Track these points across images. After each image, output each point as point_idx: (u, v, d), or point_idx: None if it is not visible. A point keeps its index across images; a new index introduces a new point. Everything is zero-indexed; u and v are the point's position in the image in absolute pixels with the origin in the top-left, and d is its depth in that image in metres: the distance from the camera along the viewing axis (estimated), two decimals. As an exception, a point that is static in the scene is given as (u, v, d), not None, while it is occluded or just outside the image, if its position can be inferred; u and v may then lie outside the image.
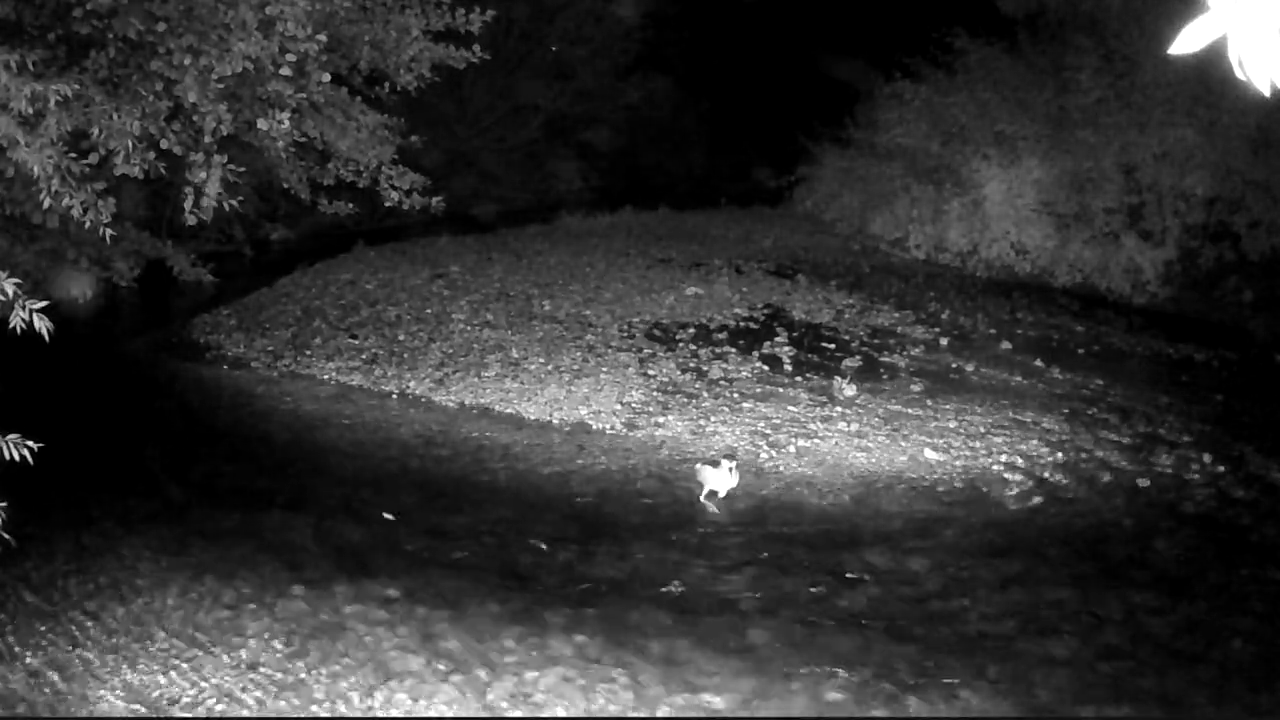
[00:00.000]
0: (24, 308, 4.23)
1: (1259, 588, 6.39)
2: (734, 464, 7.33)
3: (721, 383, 9.60)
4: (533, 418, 8.80)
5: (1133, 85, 14.19)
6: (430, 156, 13.06)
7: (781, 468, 7.87)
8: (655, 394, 9.29)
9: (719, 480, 7.28)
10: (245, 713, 4.78)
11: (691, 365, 10.06)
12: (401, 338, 10.73)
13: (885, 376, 10.00)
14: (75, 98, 6.02)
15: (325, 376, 9.76)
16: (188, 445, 8.32)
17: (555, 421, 8.71)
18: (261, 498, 7.17)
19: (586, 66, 22.59)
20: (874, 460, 8.01)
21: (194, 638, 5.34)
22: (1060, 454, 8.22)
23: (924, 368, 10.32)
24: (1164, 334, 12.16)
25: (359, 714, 4.82)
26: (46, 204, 6.08)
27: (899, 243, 16.55)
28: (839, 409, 9.02)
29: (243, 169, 7.51)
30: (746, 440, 8.32)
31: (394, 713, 4.84)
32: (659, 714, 4.94)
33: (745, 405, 9.05)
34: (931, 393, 9.53)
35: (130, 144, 6.43)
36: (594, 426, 8.60)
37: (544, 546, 6.53)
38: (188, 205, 7.22)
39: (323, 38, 7.56)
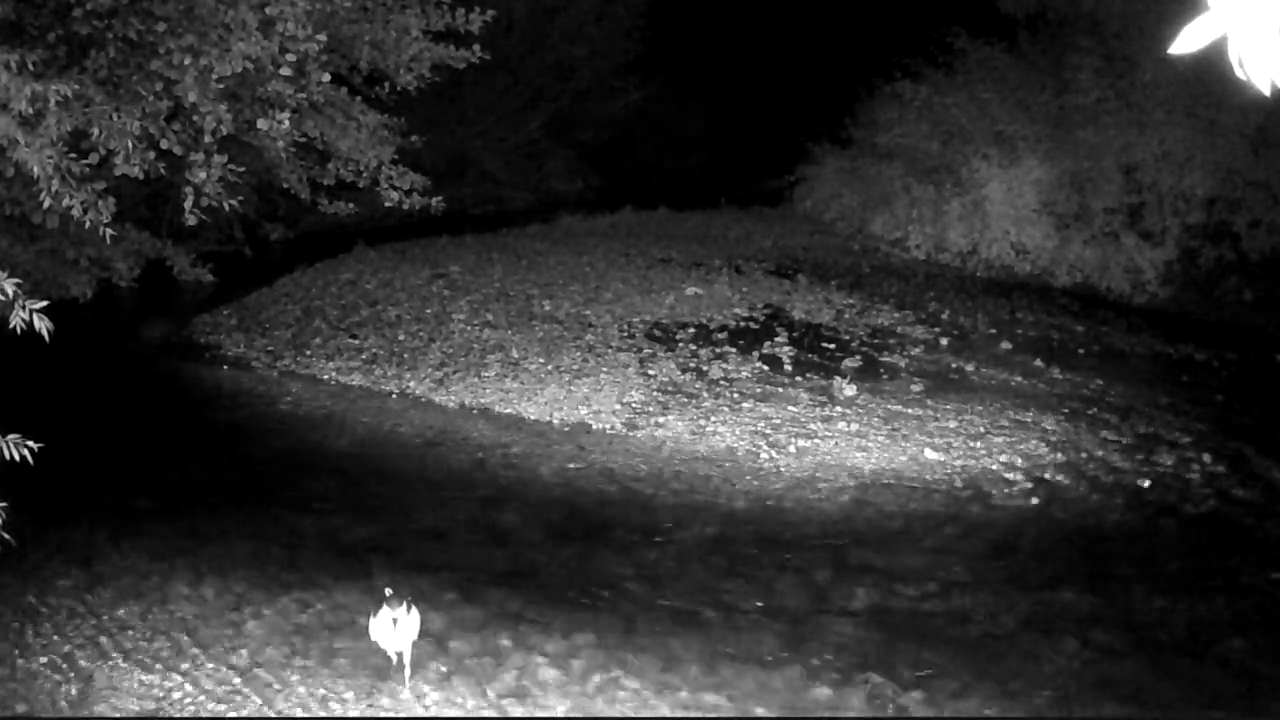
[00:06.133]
0: (24, 308, 4.22)
1: (1259, 588, 6.39)
2: (400, 608, 4.97)
3: (721, 383, 9.60)
4: (533, 418, 8.80)
5: (1133, 85, 14.19)
6: (430, 156, 13.08)
7: (782, 468, 7.87)
8: (655, 394, 9.29)
9: (390, 635, 5.00)
10: (245, 713, 4.78)
11: (691, 365, 10.06)
12: (401, 338, 10.73)
13: (885, 376, 10.00)
14: (75, 98, 6.02)
15: (325, 376, 9.76)
16: (187, 445, 8.32)
17: (555, 421, 8.71)
18: (261, 497, 7.16)
19: (586, 66, 22.59)
20: (874, 460, 8.01)
21: (194, 638, 5.34)
22: (1060, 454, 8.22)
23: (924, 368, 10.32)
24: (1164, 334, 12.15)
25: (359, 714, 4.81)
26: (46, 204, 6.08)
27: (899, 243, 16.55)
28: (839, 409, 9.02)
29: (243, 169, 7.51)
30: (746, 440, 8.32)
31: (394, 713, 4.84)
32: (659, 714, 4.94)
33: (745, 405, 9.05)
34: (931, 393, 9.53)
35: (130, 144, 6.43)
36: (594, 426, 8.60)
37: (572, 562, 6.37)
38: (188, 205, 7.22)
39: (323, 38, 7.57)
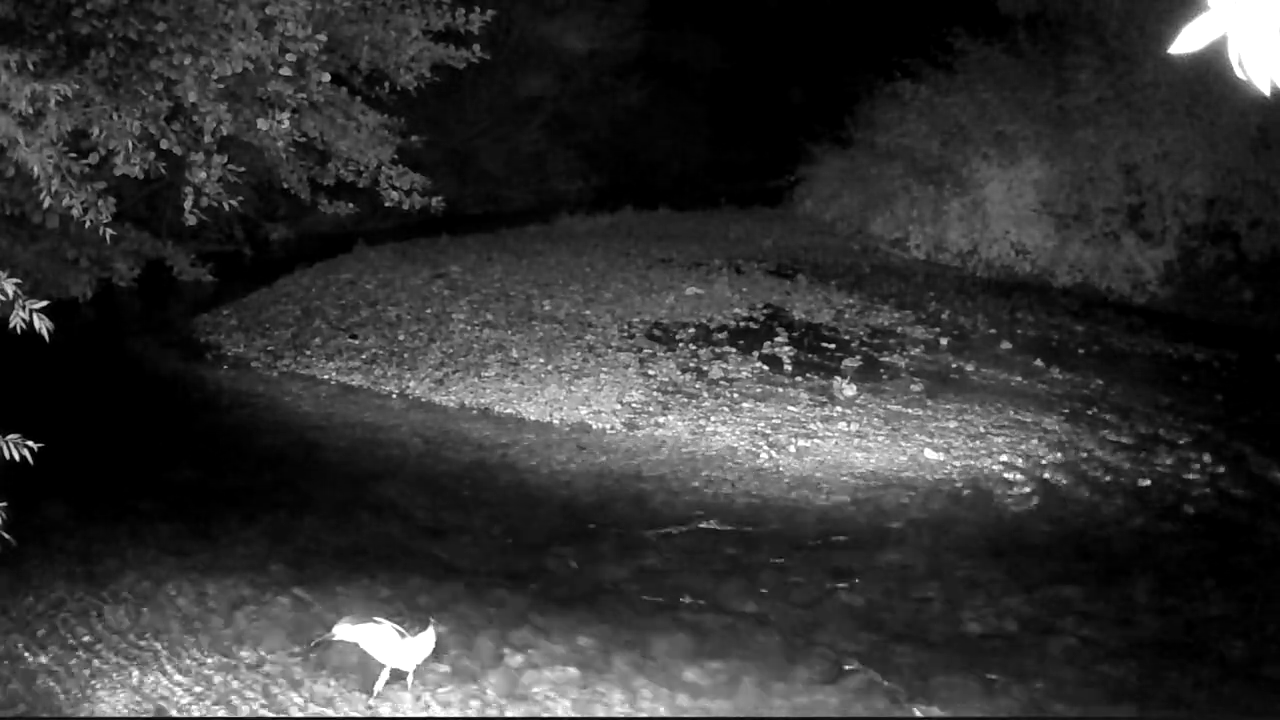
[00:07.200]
0: (24, 308, 4.23)
1: (1259, 587, 6.39)
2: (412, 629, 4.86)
3: (721, 383, 9.60)
4: (533, 418, 8.80)
5: (1133, 85, 14.20)
6: (430, 156, 13.07)
7: (782, 468, 7.87)
8: (655, 394, 9.29)
9: (397, 650, 4.85)
10: (245, 713, 4.78)
11: (691, 365, 10.06)
12: (401, 338, 10.73)
13: (885, 376, 10.00)
14: (75, 98, 6.02)
15: (325, 376, 9.76)
16: (187, 445, 8.32)
17: (555, 421, 8.71)
18: (261, 498, 7.16)
19: (586, 66, 22.61)
20: (874, 460, 8.01)
21: (194, 638, 5.34)
22: (1060, 454, 8.22)
23: (924, 368, 10.32)
24: (1164, 334, 12.16)
25: (359, 714, 4.81)
26: (46, 204, 6.08)
27: (899, 243, 16.55)
28: (839, 409, 9.02)
29: (243, 169, 7.51)
30: (746, 440, 8.32)
31: (394, 713, 4.84)
32: (659, 714, 4.94)
33: (745, 405, 9.05)
34: (931, 393, 9.53)
35: (130, 144, 6.44)
36: (594, 426, 8.60)
37: (573, 564, 6.33)
38: (188, 205, 7.22)
39: (323, 38, 7.57)
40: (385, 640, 4.82)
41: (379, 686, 4.89)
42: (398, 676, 4.96)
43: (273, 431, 8.56)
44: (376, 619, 4.88)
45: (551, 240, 16.02)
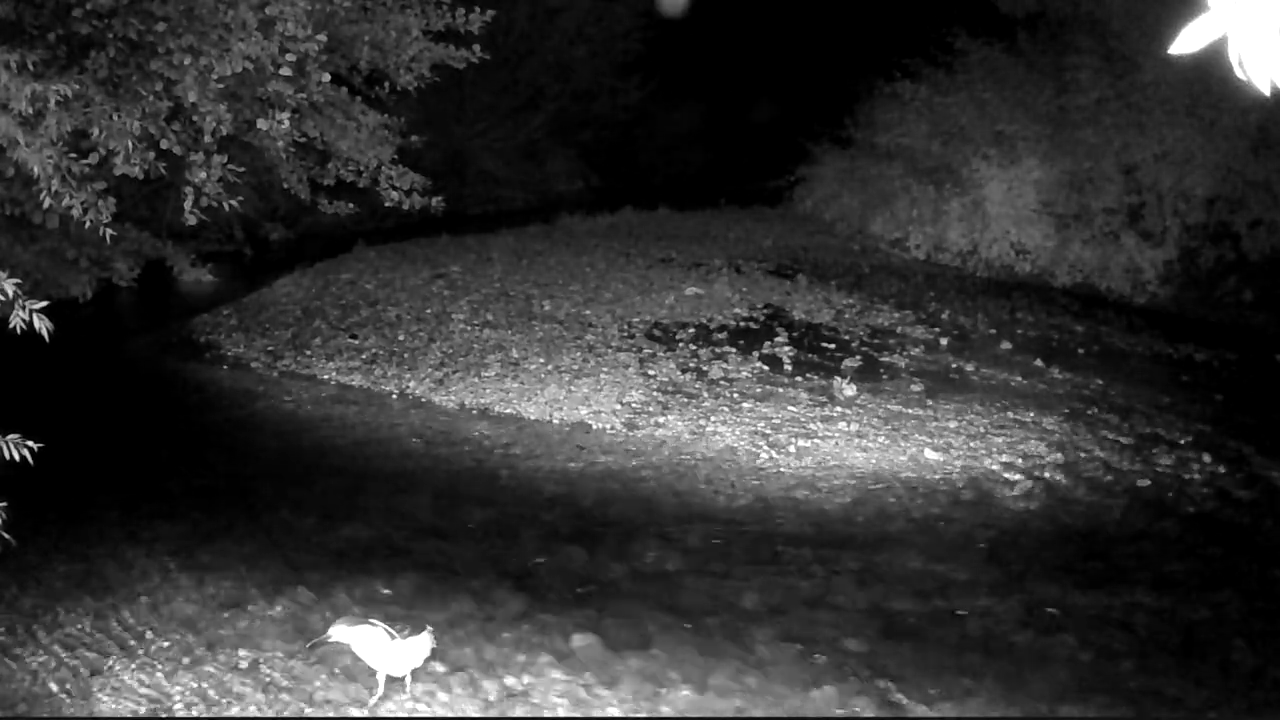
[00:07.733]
0: (24, 308, 4.23)
1: (1259, 588, 6.39)
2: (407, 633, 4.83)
3: (721, 383, 9.60)
4: (533, 418, 8.80)
5: (1133, 85, 14.21)
6: (430, 156, 13.10)
7: (782, 468, 7.87)
8: (655, 394, 9.29)
9: (389, 653, 4.80)
10: (245, 713, 4.78)
11: (691, 365, 10.06)
12: (401, 338, 10.73)
13: (885, 376, 10.00)
14: (75, 98, 6.02)
15: (325, 376, 9.76)
16: (187, 445, 8.32)
17: (555, 421, 8.72)
18: (262, 498, 7.17)
19: (586, 66, 22.63)
20: (874, 460, 8.01)
21: (194, 638, 5.34)
22: (1060, 454, 8.22)
23: (924, 368, 10.32)
24: (1164, 334, 12.16)
25: (359, 714, 4.81)
26: (46, 204, 6.09)
27: (899, 243, 16.56)
28: (839, 409, 9.02)
29: (243, 169, 7.52)
30: (746, 440, 8.32)
31: (394, 713, 4.84)
32: (659, 714, 4.94)
33: (745, 405, 9.06)
34: (931, 393, 9.53)
35: (130, 144, 6.44)
36: (594, 426, 8.60)
37: (573, 564, 6.28)
38: (188, 205, 7.22)
39: (323, 38, 7.57)
40: (378, 643, 4.77)
41: (379, 688, 4.90)
42: (394, 679, 4.94)
43: (272, 431, 8.56)
44: (371, 621, 4.86)
45: (551, 240, 16.02)
